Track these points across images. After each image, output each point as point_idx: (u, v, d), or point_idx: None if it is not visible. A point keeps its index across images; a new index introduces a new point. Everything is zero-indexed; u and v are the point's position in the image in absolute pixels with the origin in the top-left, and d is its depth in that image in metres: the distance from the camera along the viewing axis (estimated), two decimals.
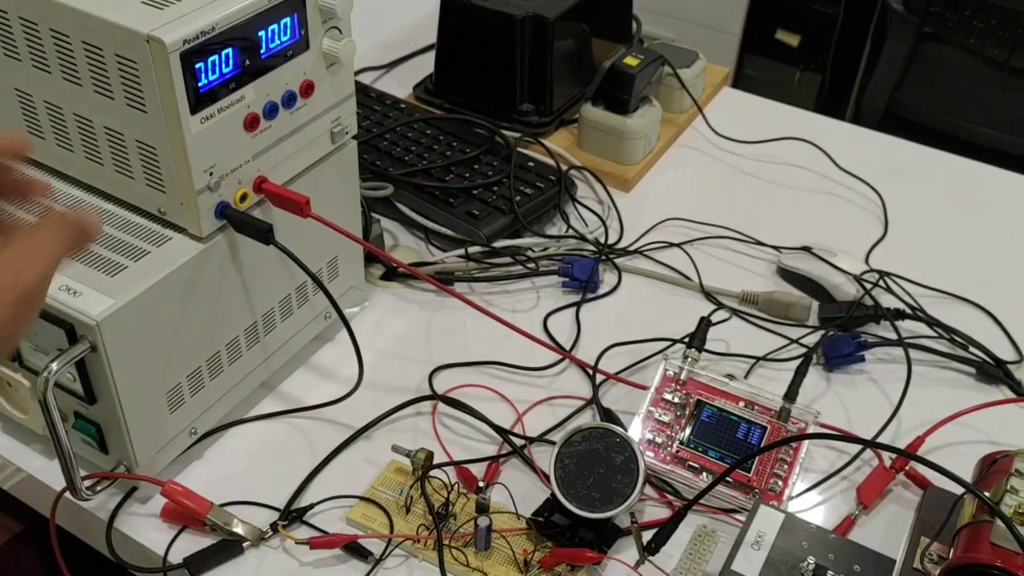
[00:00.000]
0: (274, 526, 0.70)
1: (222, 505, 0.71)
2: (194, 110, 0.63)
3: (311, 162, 0.75)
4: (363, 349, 0.77)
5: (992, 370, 0.86)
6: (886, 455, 0.77)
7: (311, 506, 0.72)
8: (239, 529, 0.70)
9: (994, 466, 0.67)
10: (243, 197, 0.69)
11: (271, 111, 0.68)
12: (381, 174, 0.99)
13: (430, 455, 0.73)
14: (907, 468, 0.76)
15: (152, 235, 0.68)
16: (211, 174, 0.66)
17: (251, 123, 0.67)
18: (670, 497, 0.75)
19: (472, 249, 0.94)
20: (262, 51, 0.66)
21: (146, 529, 0.71)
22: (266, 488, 0.74)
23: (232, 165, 0.67)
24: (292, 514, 0.71)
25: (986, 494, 0.63)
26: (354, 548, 0.69)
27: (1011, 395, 0.84)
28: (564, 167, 1.04)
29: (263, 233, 0.69)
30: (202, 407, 0.74)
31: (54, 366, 0.62)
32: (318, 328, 0.84)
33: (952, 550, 0.63)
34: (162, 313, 0.66)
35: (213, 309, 0.71)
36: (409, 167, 1.00)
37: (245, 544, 0.69)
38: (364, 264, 0.87)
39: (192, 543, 0.70)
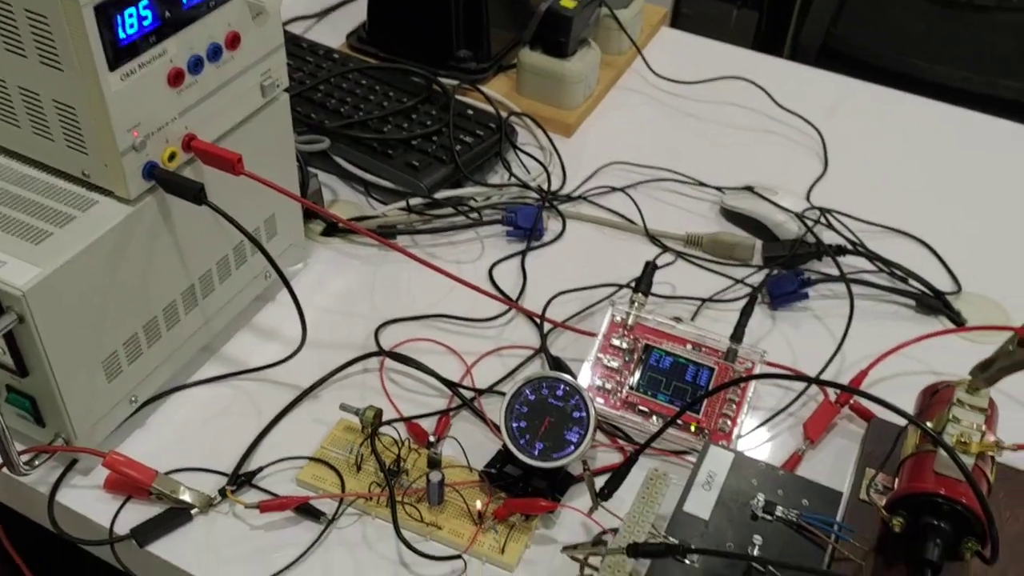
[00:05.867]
0: (223, 491, 0.69)
1: (167, 473, 0.70)
2: (112, 66, 0.60)
3: (242, 117, 0.73)
4: (306, 307, 0.75)
5: (931, 302, 0.87)
6: (831, 390, 0.78)
7: (260, 469, 0.71)
8: (186, 496, 0.68)
9: (935, 396, 0.69)
10: (171, 156, 0.67)
11: (196, 65, 0.66)
12: (316, 127, 0.97)
13: (379, 412, 0.72)
14: (851, 402, 0.77)
15: (77, 199, 0.66)
16: (135, 133, 0.63)
17: (175, 78, 0.65)
18: (621, 442, 0.75)
19: (413, 201, 0.92)
20: (183, 1, 0.63)
21: (90, 501, 0.69)
22: (212, 453, 0.72)
23: (158, 123, 0.65)
24: (240, 478, 0.70)
25: (928, 424, 0.64)
26: (306, 509, 0.68)
27: (950, 326, 0.86)
28: (504, 114, 1.02)
29: (194, 193, 0.66)
30: (141, 374, 0.72)
31: None
32: (258, 288, 0.82)
33: (897, 480, 0.65)
34: (92, 280, 0.64)
35: (146, 273, 0.69)
36: (345, 119, 0.98)
37: (193, 511, 0.68)
38: (303, 220, 0.85)
39: (139, 513, 0.68)
